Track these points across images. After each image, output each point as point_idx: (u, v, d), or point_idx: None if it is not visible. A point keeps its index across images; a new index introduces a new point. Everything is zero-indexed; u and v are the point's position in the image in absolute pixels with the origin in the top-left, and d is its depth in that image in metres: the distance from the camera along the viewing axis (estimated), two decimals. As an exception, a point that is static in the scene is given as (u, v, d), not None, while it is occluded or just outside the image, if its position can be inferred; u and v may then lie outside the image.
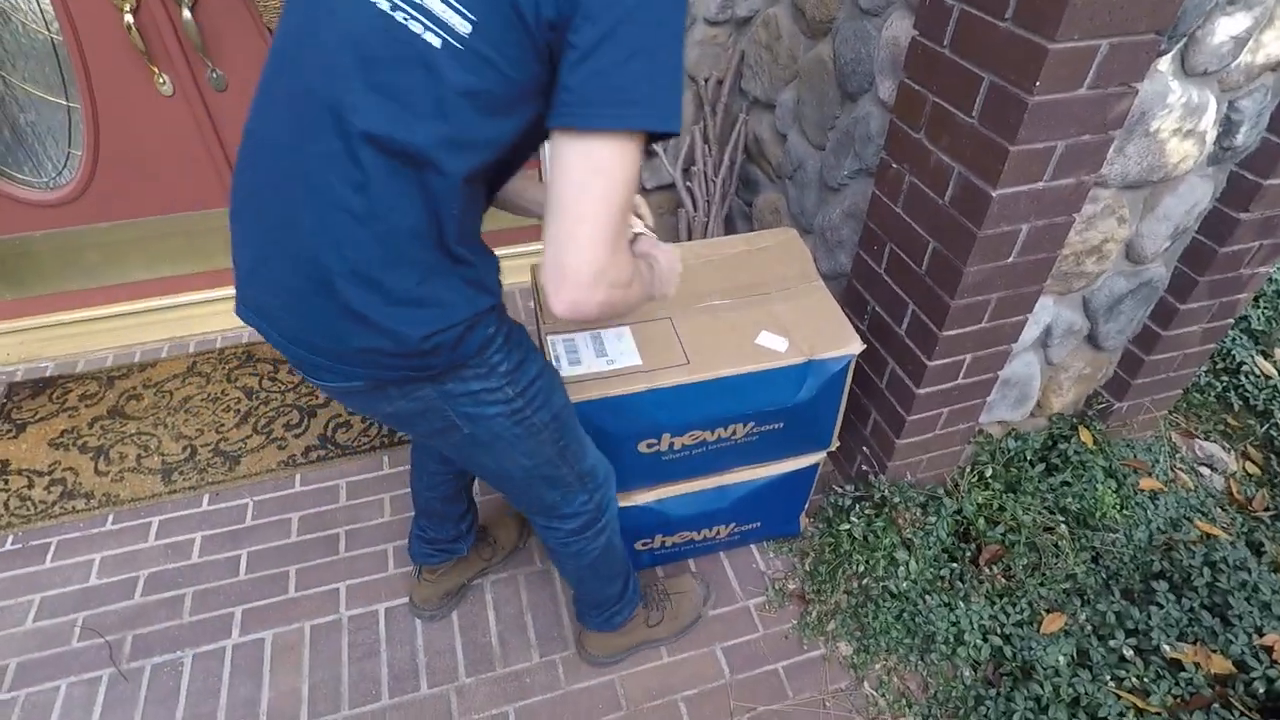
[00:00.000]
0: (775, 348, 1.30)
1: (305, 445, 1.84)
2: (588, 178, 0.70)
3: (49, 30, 1.67)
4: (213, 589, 1.58)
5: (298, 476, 1.79)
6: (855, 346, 1.31)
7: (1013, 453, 1.73)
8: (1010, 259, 1.24)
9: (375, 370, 0.84)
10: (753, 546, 1.66)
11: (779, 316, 1.35)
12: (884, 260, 1.45)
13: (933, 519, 1.56)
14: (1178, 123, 1.23)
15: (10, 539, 1.66)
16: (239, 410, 1.92)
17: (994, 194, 1.13)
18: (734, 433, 1.35)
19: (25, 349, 2.04)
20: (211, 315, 2.14)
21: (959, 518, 1.61)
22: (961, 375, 1.42)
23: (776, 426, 1.36)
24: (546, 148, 0.74)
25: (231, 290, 2.14)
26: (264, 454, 1.82)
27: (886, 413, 1.54)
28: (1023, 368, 1.59)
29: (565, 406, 1.03)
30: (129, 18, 1.65)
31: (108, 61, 1.72)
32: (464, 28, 0.68)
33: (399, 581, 1.59)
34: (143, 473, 1.78)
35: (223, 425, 1.88)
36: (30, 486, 1.74)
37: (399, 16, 0.69)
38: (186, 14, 1.67)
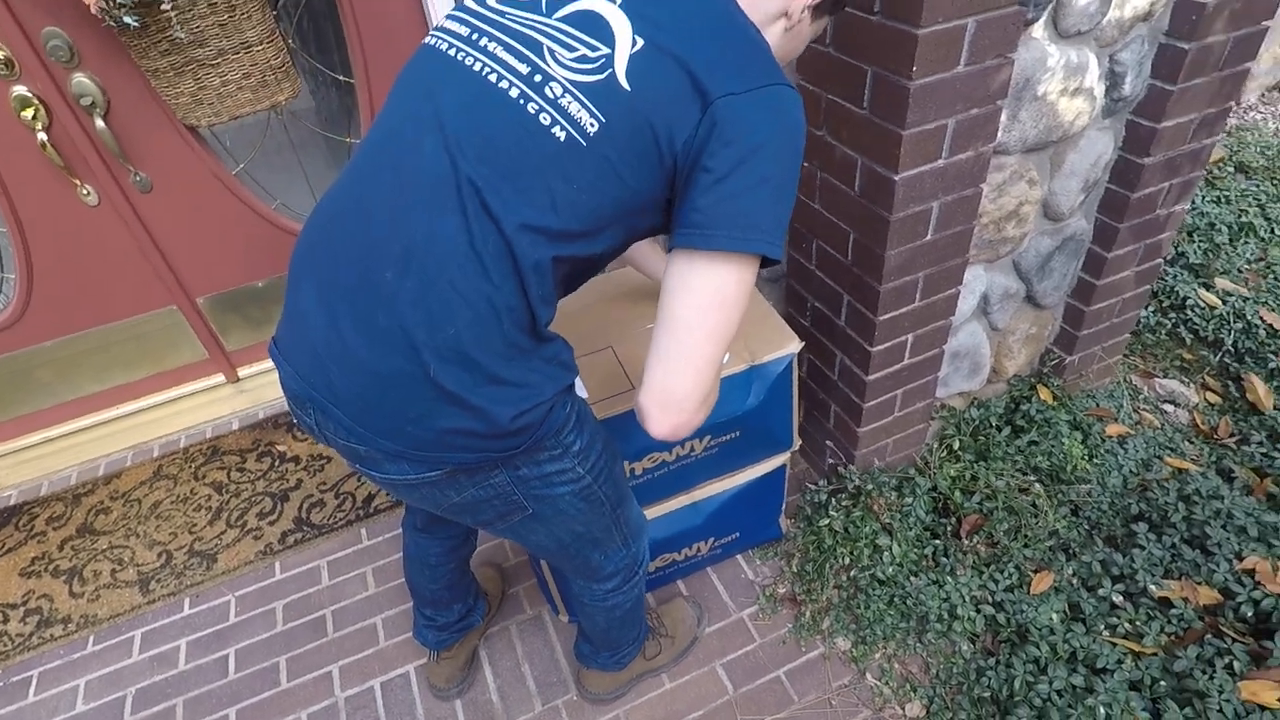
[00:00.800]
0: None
1: (281, 531, 1.82)
2: (707, 300, 0.73)
3: (-36, 162, 1.68)
4: (203, 694, 1.55)
5: (277, 564, 1.77)
6: (794, 345, 1.33)
7: (977, 421, 1.75)
8: (929, 237, 1.27)
9: (456, 454, 0.81)
10: (738, 557, 1.66)
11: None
12: (813, 256, 1.48)
13: (909, 500, 1.57)
14: (1063, 83, 1.28)
15: (-9, 677, 1.62)
16: (210, 507, 1.90)
17: (896, 178, 1.16)
18: (693, 449, 1.36)
19: (-14, 480, 2.01)
20: (172, 416, 2.12)
21: (934, 494, 1.62)
22: (907, 355, 1.44)
23: (734, 435, 1.37)
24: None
25: (189, 388, 2.16)
26: (240, 547, 1.80)
27: (843, 403, 1.55)
28: (969, 338, 1.62)
29: (620, 470, 1.03)
30: (42, 135, 1.65)
31: (27, 182, 1.72)
32: (592, 127, 0.71)
33: (391, 653, 1.57)
34: (119, 587, 1.75)
35: (195, 525, 1.86)
36: (5, 621, 1.71)
37: (529, 107, 0.72)
38: (99, 123, 1.69)
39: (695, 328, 0.74)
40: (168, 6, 1.45)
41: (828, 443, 1.66)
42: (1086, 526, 1.61)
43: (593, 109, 0.71)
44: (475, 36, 0.79)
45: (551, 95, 0.72)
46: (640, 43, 0.72)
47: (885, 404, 1.50)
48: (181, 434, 2.11)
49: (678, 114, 0.71)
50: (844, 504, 1.58)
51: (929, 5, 1.00)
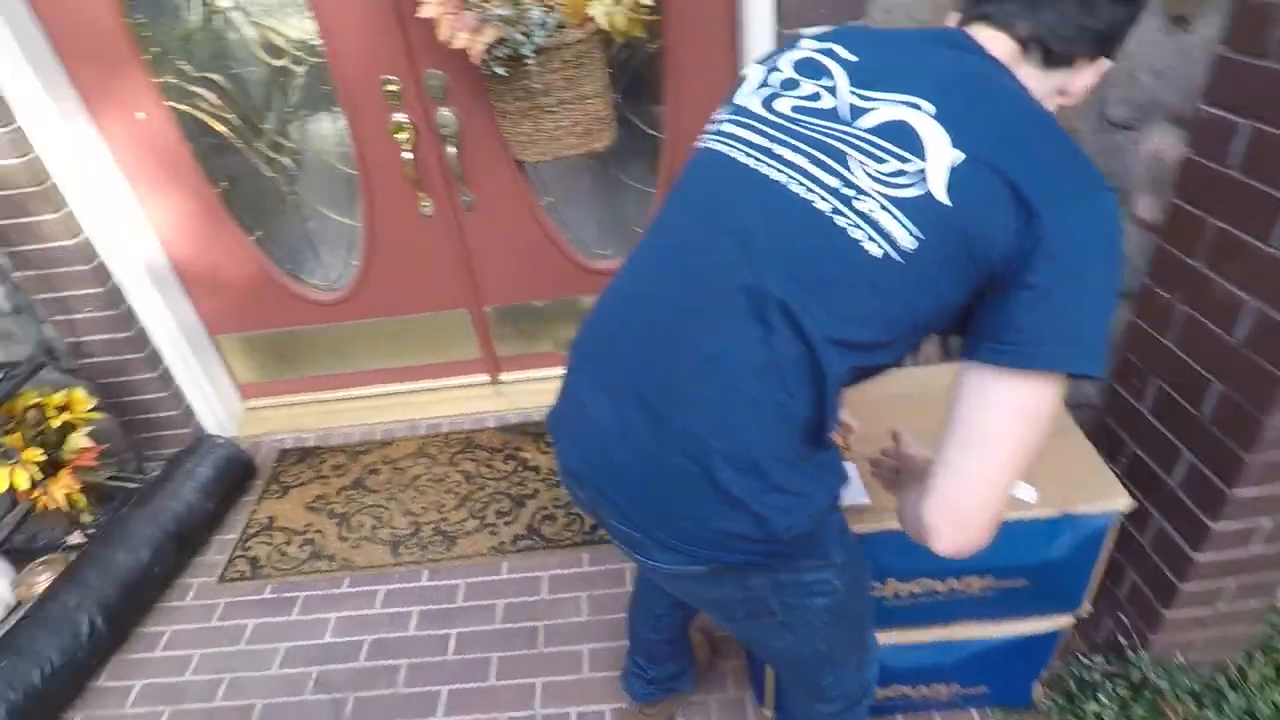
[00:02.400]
0: (1022, 496, 1.16)
1: (514, 534, 1.95)
2: (1011, 420, 0.69)
3: (349, 167, 2.03)
4: (424, 664, 1.69)
5: (505, 564, 1.89)
6: (1121, 502, 1.14)
7: (1324, 638, 1.39)
8: (1330, 412, 1.03)
9: (726, 554, 0.80)
10: (973, 711, 1.46)
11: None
12: (1148, 398, 1.27)
13: (1211, 715, 1.28)
14: None
15: (269, 588, 1.91)
16: (458, 493, 2.09)
17: (1310, 339, 0.95)
18: (968, 585, 1.22)
19: (294, 420, 2.40)
20: (440, 402, 2.38)
21: (1248, 719, 1.31)
22: (1257, 543, 1.18)
23: (1019, 583, 1.21)
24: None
25: (458, 380, 2.42)
26: (477, 538, 1.95)
27: (1150, 577, 1.31)
28: (1339, 535, 1.29)
29: (870, 590, 1.01)
30: (407, 154, 1.95)
31: (386, 189, 2.03)
32: (909, 244, 0.69)
33: (592, 686, 1.60)
34: (376, 543, 1.98)
35: (444, 506, 2.06)
36: (288, 543, 2.01)
37: (839, 221, 0.71)
38: (451, 149, 1.95)
39: (996, 446, 0.69)
40: (530, 62, 1.64)
41: (1117, 614, 1.41)
42: None
43: (909, 225, 0.69)
44: (770, 145, 0.77)
45: (864, 209, 0.70)
46: (960, 156, 0.68)
47: (1209, 593, 1.24)
48: (444, 420, 2.35)
49: (998, 226, 0.67)
50: (1121, 693, 1.32)
51: None
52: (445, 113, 1.91)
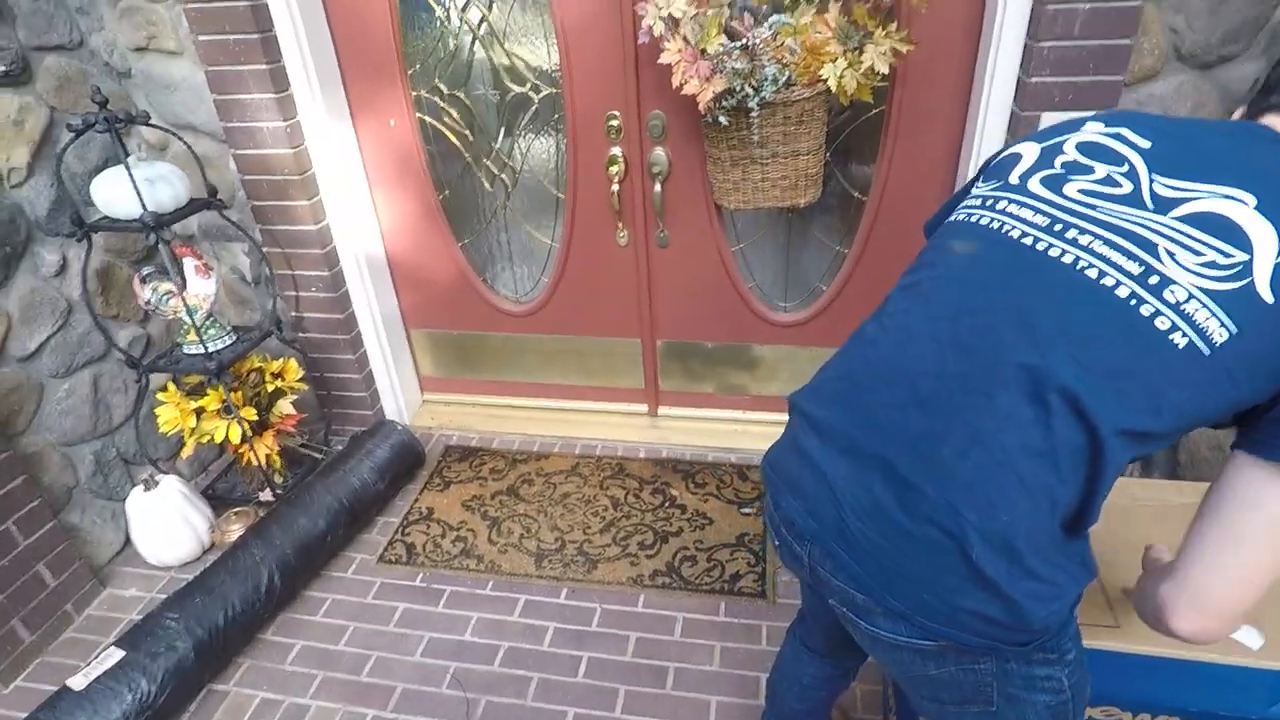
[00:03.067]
0: (1245, 641, 1.05)
1: (653, 569, 1.96)
2: (1273, 531, 0.69)
3: (557, 190, 2.16)
4: (555, 682, 1.72)
5: (641, 597, 1.90)
6: (1373, 672, 1.00)
7: None
8: None
9: (964, 635, 0.77)
10: None
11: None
12: None
13: None
14: None
15: (420, 576, 2.02)
16: (604, 517, 2.13)
17: None
18: (1163, 728, 1.11)
19: (462, 419, 2.55)
20: (598, 424, 2.46)
21: None
22: None
23: (1229, 739, 1.08)
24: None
25: (618, 406, 2.49)
26: (617, 565, 1.98)
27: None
28: None
29: (1088, 700, 0.94)
30: (616, 185, 2.05)
31: (589, 216, 2.15)
32: (1220, 337, 0.67)
33: (719, 742, 1.57)
34: (522, 551, 2.05)
35: (589, 527, 2.11)
36: (443, 536, 2.12)
37: (1143, 309, 0.69)
38: (658, 187, 2.04)
39: (1259, 546, 0.69)
40: (755, 113, 1.69)
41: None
42: None
43: (1223, 318, 0.67)
44: (1060, 228, 0.76)
45: (1173, 300, 0.68)
46: None
47: None
48: (599, 442, 2.42)
49: None
50: None
51: None
52: (659, 152, 2.01)
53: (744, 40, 1.66)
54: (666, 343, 2.32)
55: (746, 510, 2.11)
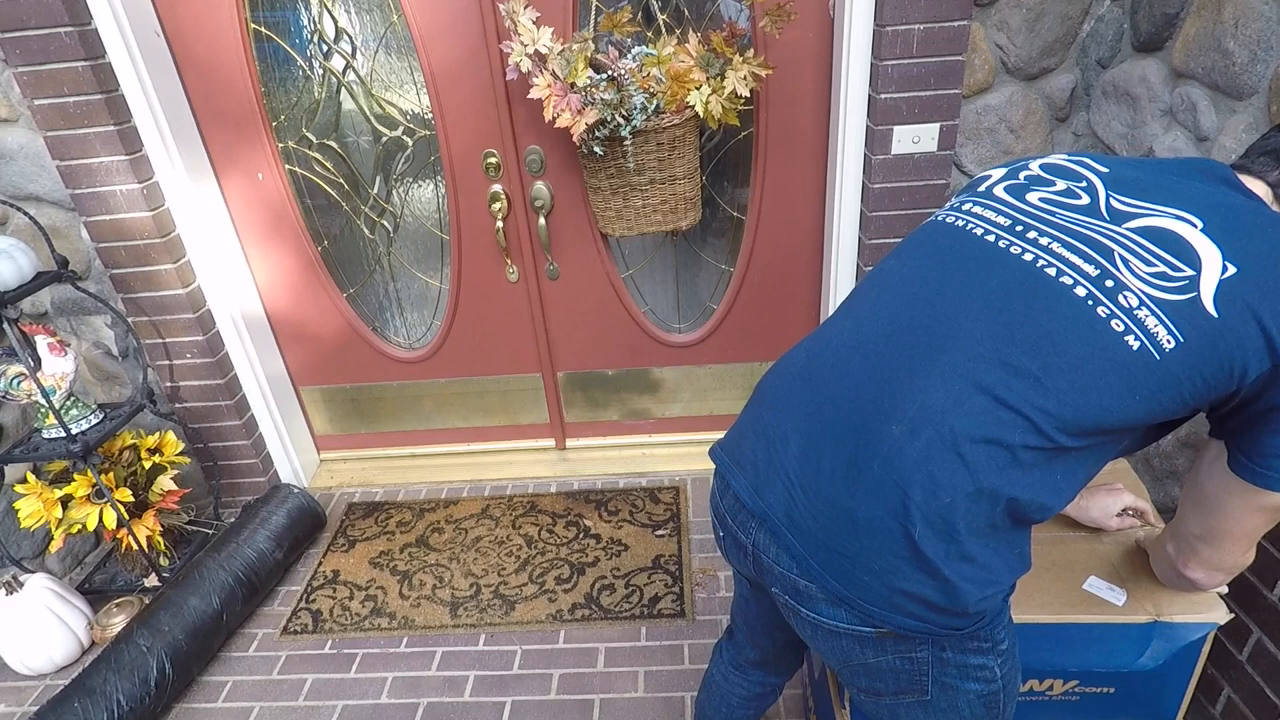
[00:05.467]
0: (1110, 599, 1.14)
1: (572, 602, 1.94)
2: (1260, 515, 0.84)
3: (441, 232, 2.15)
4: (480, 733, 1.67)
5: (562, 632, 1.88)
6: (1218, 614, 1.10)
7: None
8: None
9: (901, 618, 0.79)
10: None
11: (1110, 560, 1.20)
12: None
13: None
14: None
15: (329, 643, 1.92)
16: (519, 557, 2.10)
17: None
18: (1050, 688, 1.18)
19: (364, 475, 2.46)
20: (505, 464, 2.43)
21: None
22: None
23: (1104, 691, 1.17)
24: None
25: (525, 444, 2.47)
26: (535, 604, 1.95)
27: (1248, 694, 1.25)
28: None
29: (1019, 689, 0.98)
30: (500, 223, 2.06)
31: (477, 255, 2.14)
32: (1168, 344, 0.72)
33: (650, 769, 1.56)
34: (435, 602, 1.99)
35: (504, 569, 2.06)
36: (351, 598, 2.03)
37: (1099, 310, 0.73)
38: (542, 221, 2.06)
39: (1245, 531, 0.86)
40: (628, 142, 1.74)
41: (1215, 735, 1.35)
42: None
43: (1171, 326, 0.72)
44: (1020, 229, 0.82)
45: (1126, 305, 0.73)
46: (1231, 270, 0.72)
47: (1321, 718, 1.18)
48: (509, 482, 2.39)
49: (1254, 350, 0.71)
50: (1224, 821, 1.25)
51: None
52: (540, 185, 2.03)
53: (610, 72, 1.71)
54: (567, 374, 2.33)
55: (661, 532, 2.13)
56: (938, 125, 1.76)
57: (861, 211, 1.90)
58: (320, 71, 1.94)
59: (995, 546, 0.78)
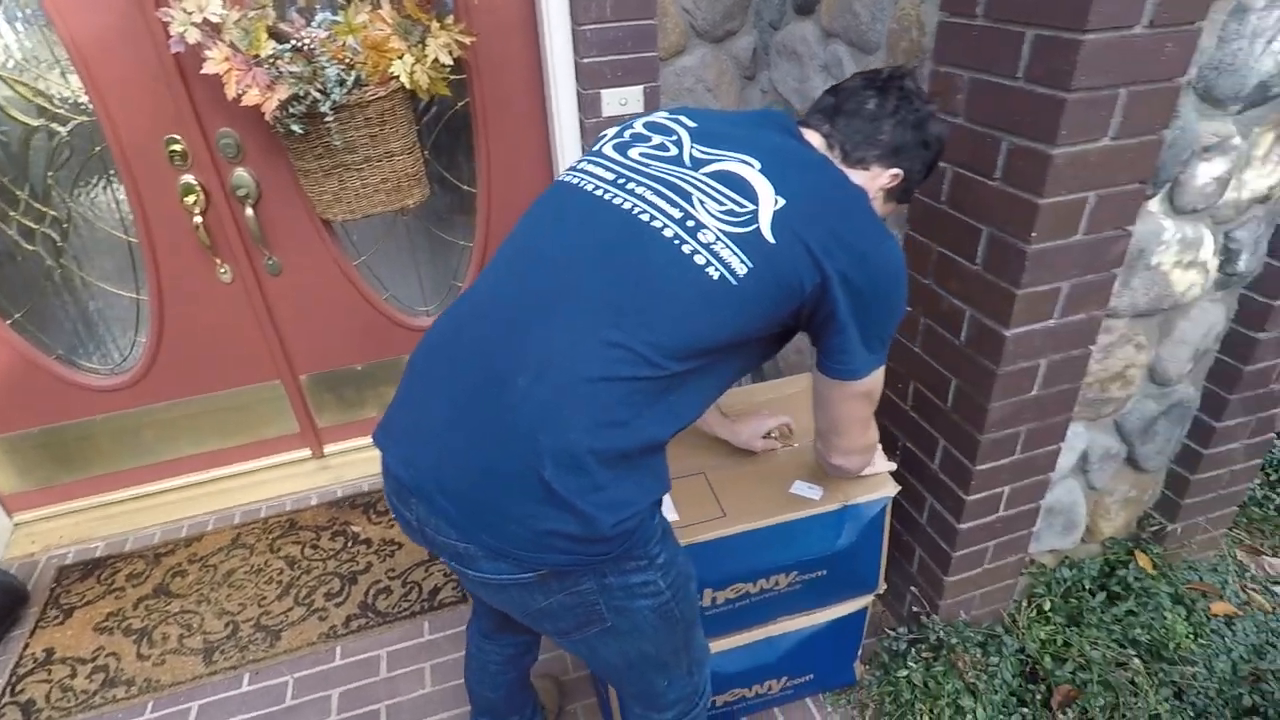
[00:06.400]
0: (810, 496, 1.31)
1: (346, 615, 1.83)
2: (858, 402, 1.01)
3: (126, 235, 1.87)
4: (250, 778, 1.52)
5: (338, 648, 1.76)
6: (889, 489, 1.31)
7: (1069, 582, 1.67)
8: (1033, 392, 1.27)
9: (553, 555, 0.84)
10: (808, 700, 1.58)
11: (810, 464, 1.37)
12: (909, 398, 1.48)
13: (995, 659, 1.48)
14: (1177, 255, 1.29)
15: (48, 732, 1.63)
16: (281, 581, 1.92)
17: (1007, 334, 1.18)
18: (777, 583, 1.33)
19: (78, 530, 2.10)
20: (256, 485, 2.20)
21: (1022, 656, 1.53)
22: (1002, 507, 1.41)
23: (820, 574, 1.34)
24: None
25: (276, 459, 2.24)
26: (304, 627, 1.80)
27: (931, 549, 1.51)
28: (1065, 494, 1.57)
29: (695, 595, 1.05)
30: (198, 218, 1.83)
31: (175, 257, 1.89)
32: (741, 270, 0.83)
33: (442, 760, 1.52)
34: (184, 653, 1.76)
35: (265, 598, 1.88)
36: (73, 676, 1.73)
37: (684, 247, 0.83)
38: (249, 211, 1.86)
39: (856, 419, 1.05)
40: (330, 118, 1.63)
41: (911, 589, 1.60)
42: (1192, 713, 1.48)
43: (742, 256, 0.83)
44: (621, 181, 0.92)
45: (704, 240, 0.84)
46: (781, 202, 0.85)
47: (976, 555, 1.45)
48: (263, 504, 2.17)
49: (805, 269, 0.85)
50: (924, 655, 1.50)
51: (1052, 178, 1.05)
52: (241, 173, 1.84)
53: (295, 42, 1.57)
54: (311, 376, 2.15)
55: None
56: (641, 87, 1.85)
57: (585, 176, 1.95)
58: (-84, 52, 1.57)
59: (626, 472, 0.84)
